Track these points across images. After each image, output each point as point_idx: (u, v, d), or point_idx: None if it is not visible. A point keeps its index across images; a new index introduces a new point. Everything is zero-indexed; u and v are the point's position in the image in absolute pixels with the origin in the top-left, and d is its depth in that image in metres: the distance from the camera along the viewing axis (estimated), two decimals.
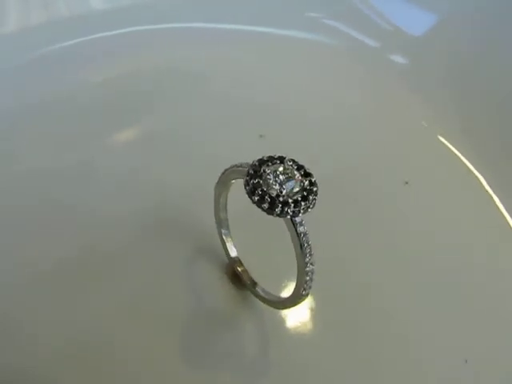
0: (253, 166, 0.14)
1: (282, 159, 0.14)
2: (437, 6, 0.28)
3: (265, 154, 0.14)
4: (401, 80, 0.27)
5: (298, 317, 0.19)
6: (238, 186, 0.15)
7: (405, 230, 0.22)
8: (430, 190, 0.23)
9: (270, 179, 0.13)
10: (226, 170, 0.16)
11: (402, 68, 0.28)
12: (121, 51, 0.26)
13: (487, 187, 0.24)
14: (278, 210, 0.13)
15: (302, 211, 0.13)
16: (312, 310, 0.19)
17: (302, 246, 0.14)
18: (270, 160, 0.14)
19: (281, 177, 0.13)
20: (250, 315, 0.19)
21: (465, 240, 0.22)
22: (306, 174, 0.14)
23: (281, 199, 0.13)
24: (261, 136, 0.24)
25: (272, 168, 0.14)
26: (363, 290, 0.20)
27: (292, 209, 0.13)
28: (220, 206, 0.18)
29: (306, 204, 0.13)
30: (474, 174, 0.24)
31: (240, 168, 0.15)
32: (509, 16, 0.26)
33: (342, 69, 0.28)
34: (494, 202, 0.23)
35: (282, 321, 0.19)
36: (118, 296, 0.19)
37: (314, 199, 0.13)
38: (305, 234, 0.14)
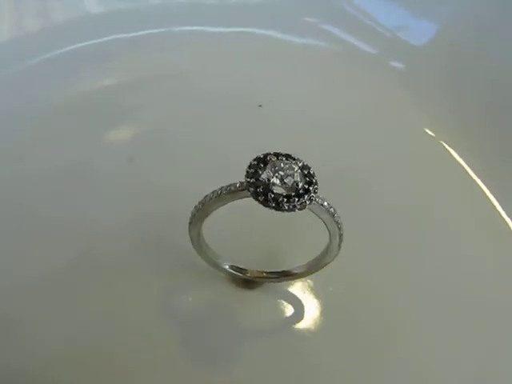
0: (254, 166, 0.14)
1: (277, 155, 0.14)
2: (436, 13, 0.29)
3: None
4: (399, 85, 0.27)
5: (298, 317, 0.19)
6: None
7: (405, 231, 0.22)
8: (429, 192, 0.23)
9: (270, 175, 0.14)
10: (200, 205, 0.15)
11: (400, 74, 0.28)
12: (119, 54, 0.26)
13: (486, 190, 0.24)
14: (298, 203, 0.13)
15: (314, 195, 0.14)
16: (312, 309, 0.19)
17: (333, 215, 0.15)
18: (261, 161, 0.14)
19: (280, 172, 0.14)
20: (249, 315, 0.19)
21: (465, 241, 0.22)
22: (303, 167, 0.14)
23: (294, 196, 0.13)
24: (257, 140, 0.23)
25: (272, 164, 0.14)
26: (363, 289, 0.20)
27: (312, 194, 0.13)
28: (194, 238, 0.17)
29: (314, 189, 0.14)
30: (472, 178, 0.24)
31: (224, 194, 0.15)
32: (508, 24, 0.26)
33: (339, 74, 0.28)
34: (493, 204, 0.23)
35: (281, 321, 0.19)
36: (118, 296, 0.19)
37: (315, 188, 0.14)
38: (330, 206, 0.15)
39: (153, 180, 0.22)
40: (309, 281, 0.20)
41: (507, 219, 0.23)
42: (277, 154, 0.14)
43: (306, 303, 0.19)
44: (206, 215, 0.16)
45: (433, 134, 0.25)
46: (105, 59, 0.26)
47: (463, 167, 0.24)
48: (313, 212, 0.15)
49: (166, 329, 0.18)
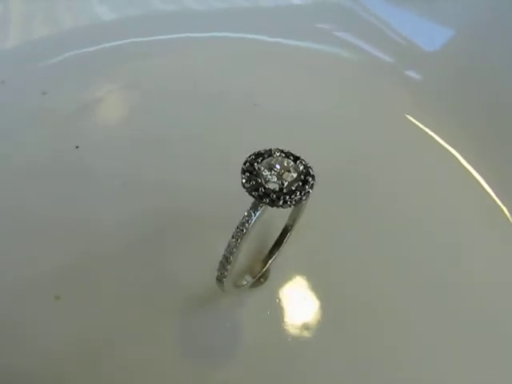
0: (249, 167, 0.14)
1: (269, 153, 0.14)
2: (450, 21, 0.29)
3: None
4: (413, 93, 0.27)
5: (297, 317, 0.19)
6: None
7: (405, 230, 0.22)
8: (430, 191, 0.23)
9: (266, 173, 0.14)
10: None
11: (414, 82, 0.28)
12: (123, 58, 0.27)
13: (489, 189, 0.23)
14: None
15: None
16: (312, 310, 0.19)
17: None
18: (258, 156, 0.14)
19: (277, 168, 0.14)
20: (249, 315, 0.19)
21: (464, 239, 0.22)
22: (298, 162, 0.14)
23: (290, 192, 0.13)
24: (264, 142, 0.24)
25: (264, 165, 0.14)
26: (363, 289, 0.20)
27: (310, 186, 0.14)
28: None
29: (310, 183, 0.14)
30: (477, 180, 0.24)
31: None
32: None
33: (351, 81, 0.28)
34: (495, 202, 0.23)
35: (281, 321, 0.19)
36: (118, 296, 0.19)
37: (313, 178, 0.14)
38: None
39: (153, 179, 0.22)
40: (309, 281, 0.20)
41: (509, 216, 0.22)
42: (273, 150, 0.14)
43: (306, 303, 0.19)
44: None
45: (438, 139, 0.25)
46: (108, 63, 0.26)
47: (469, 171, 0.24)
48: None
49: (166, 329, 0.18)
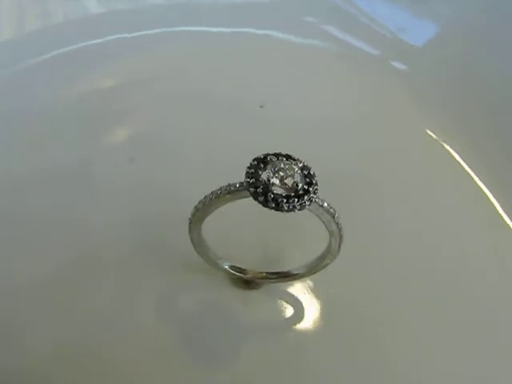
0: (254, 166, 0.14)
1: (277, 156, 0.14)
2: (436, 14, 0.29)
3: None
4: (400, 86, 0.27)
5: (297, 317, 0.19)
6: None
7: (405, 233, 0.22)
8: (429, 194, 0.23)
9: (271, 179, 0.14)
10: (200, 205, 0.15)
11: (401, 74, 0.28)
12: (119, 55, 0.26)
13: (487, 192, 0.23)
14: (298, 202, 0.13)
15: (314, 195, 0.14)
16: (312, 310, 0.19)
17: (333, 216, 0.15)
18: (261, 161, 0.14)
19: (280, 173, 0.14)
20: (249, 315, 0.19)
21: (465, 243, 0.22)
22: (304, 167, 0.14)
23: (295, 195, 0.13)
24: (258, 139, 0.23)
25: (268, 170, 0.14)
26: (363, 291, 0.20)
27: (311, 194, 0.13)
28: (195, 241, 0.17)
29: (313, 189, 0.14)
30: (474, 180, 0.24)
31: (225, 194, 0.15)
32: (509, 25, 0.26)
33: (339, 74, 0.28)
34: (495, 208, 0.23)
35: (281, 321, 0.19)
36: (118, 297, 0.19)
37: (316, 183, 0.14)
38: (330, 207, 0.15)
39: (153, 181, 0.22)
40: (309, 282, 0.20)
41: (508, 221, 0.22)
42: (277, 155, 0.14)
43: (306, 304, 0.19)
44: (206, 215, 0.16)
45: (434, 136, 0.25)
46: (105, 59, 0.26)
47: (464, 168, 0.24)
48: (313, 213, 0.15)
49: (166, 329, 0.18)
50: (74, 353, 0.17)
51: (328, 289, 0.20)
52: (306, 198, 0.13)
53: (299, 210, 0.13)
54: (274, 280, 0.19)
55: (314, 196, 0.14)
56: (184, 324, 0.18)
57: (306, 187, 0.14)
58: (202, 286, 0.19)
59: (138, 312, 0.18)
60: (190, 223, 0.16)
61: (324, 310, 0.19)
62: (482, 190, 0.24)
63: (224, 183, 0.15)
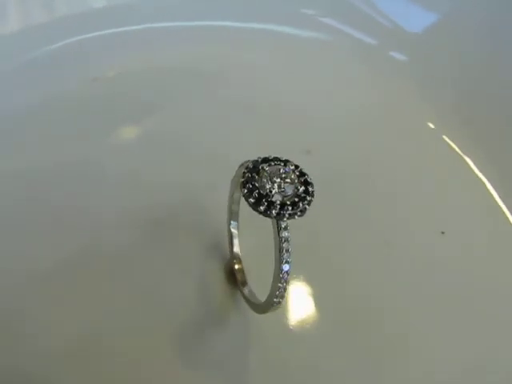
0: (254, 161, 0.14)
1: (285, 162, 0.14)
2: (436, 4, 0.28)
3: (264, 152, 0.14)
4: (400, 77, 0.27)
5: (297, 318, 0.19)
6: None
7: (406, 231, 0.22)
8: (431, 190, 0.23)
9: (266, 177, 0.14)
10: (241, 165, 0.15)
11: (401, 65, 0.28)
12: (123, 49, 0.26)
13: (490, 187, 0.23)
14: (262, 208, 0.13)
15: (287, 216, 0.13)
16: (312, 310, 0.19)
17: (280, 250, 0.14)
18: (274, 160, 0.14)
19: (277, 178, 0.14)
20: (249, 315, 0.18)
21: (468, 241, 0.22)
22: (306, 182, 0.14)
23: (268, 199, 0.13)
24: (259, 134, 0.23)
25: (272, 168, 0.14)
26: (363, 290, 0.20)
27: (277, 211, 0.13)
28: (234, 199, 0.17)
29: (293, 210, 0.13)
30: (476, 174, 0.24)
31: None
32: (509, 13, 0.26)
33: (338, 66, 0.28)
34: (497, 203, 0.23)
35: (281, 321, 0.19)
36: (118, 295, 0.19)
37: (305, 208, 0.13)
38: (286, 240, 0.14)
39: (159, 177, 0.22)
40: (309, 282, 0.20)
41: (507, 213, 0.23)
42: (267, 161, 0.14)
43: (306, 304, 0.19)
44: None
45: (435, 127, 0.25)
46: (110, 53, 0.26)
47: (465, 161, 0.24)
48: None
49: (166, 329, 0.18)
50: (73, 352, 0.17)
51: (328, 289, 0.20)
52: (289, 209, 0.13)
53: (276, 218, 0.13)
54: (240, 289, 0.19)
55: (299, 214, 0.13)
56: (184, 323, 0.18)
57: (303, 195, 0.14)
58: (202, 286, 0.19)
59: (137, 311, 0.18)
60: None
61: (324, 310, 0.19)
62: (482, 181, 0.23)
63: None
